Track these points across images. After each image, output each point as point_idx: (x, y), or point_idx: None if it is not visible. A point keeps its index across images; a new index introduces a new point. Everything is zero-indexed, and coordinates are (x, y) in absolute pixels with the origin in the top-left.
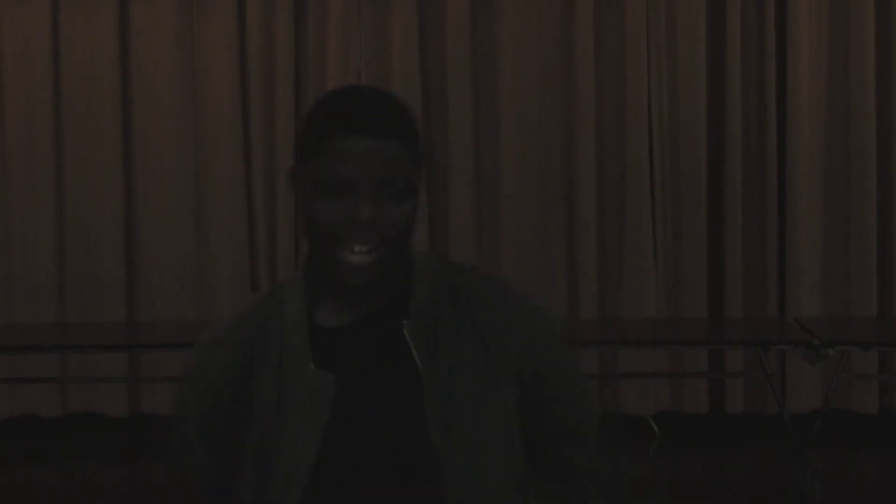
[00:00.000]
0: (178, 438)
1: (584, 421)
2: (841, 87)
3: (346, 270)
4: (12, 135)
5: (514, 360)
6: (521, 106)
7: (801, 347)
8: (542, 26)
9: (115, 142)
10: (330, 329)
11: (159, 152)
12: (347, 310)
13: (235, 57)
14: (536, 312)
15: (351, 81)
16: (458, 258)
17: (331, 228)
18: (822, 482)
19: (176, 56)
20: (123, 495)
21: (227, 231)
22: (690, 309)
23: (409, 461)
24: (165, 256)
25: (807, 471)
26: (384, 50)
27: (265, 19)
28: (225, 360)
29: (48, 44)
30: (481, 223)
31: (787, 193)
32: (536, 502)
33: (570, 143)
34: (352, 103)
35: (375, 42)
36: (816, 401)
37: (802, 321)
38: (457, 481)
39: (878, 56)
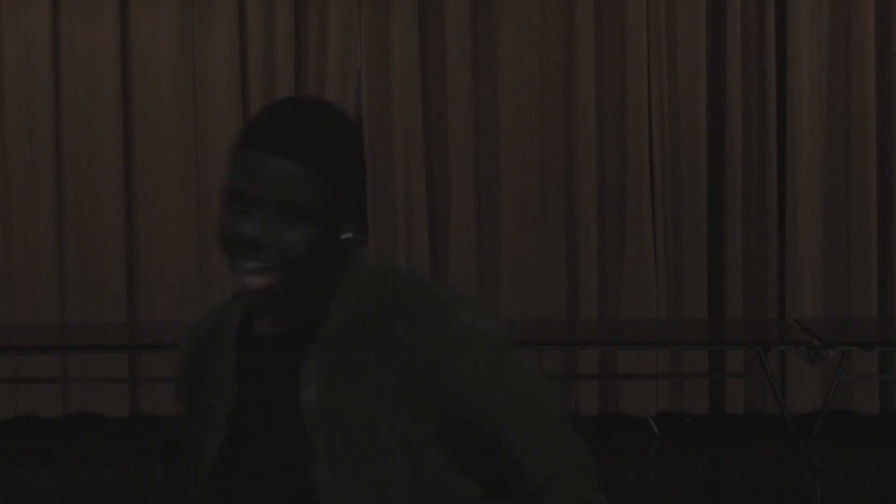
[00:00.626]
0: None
1: (540, 436)
2: (841, 88)
3: (240, 287)
4: (13, 134)
5: (427, 381)
6: (522, 107)
7: (802, 348)
8: (543, 27)
9: (115, 141)
10: (257, 339)
11: (160, 152)
12: (275, 322)
13: (236, 56)
14: (456, 322)
15: (351, 81)
16: (457, 260)
17: (222, 239)
18: (822, 482)
19: (176, 56)
20: (123, 495)
21: None
22: (691, 310)
23: (290, 495)
24: (166, 257)
25: (807, 471)
26: (384, 50)
27: (265, 19)
28: (184, 348)
29: (48, 43)
30: (481, 224)
31: (787, 195)
32: None
33: (571, 145)
34: (268, 118)
35: (375, 42)
36: (816, 401)
37: (803, 322)
38: None
39: (878, 58)
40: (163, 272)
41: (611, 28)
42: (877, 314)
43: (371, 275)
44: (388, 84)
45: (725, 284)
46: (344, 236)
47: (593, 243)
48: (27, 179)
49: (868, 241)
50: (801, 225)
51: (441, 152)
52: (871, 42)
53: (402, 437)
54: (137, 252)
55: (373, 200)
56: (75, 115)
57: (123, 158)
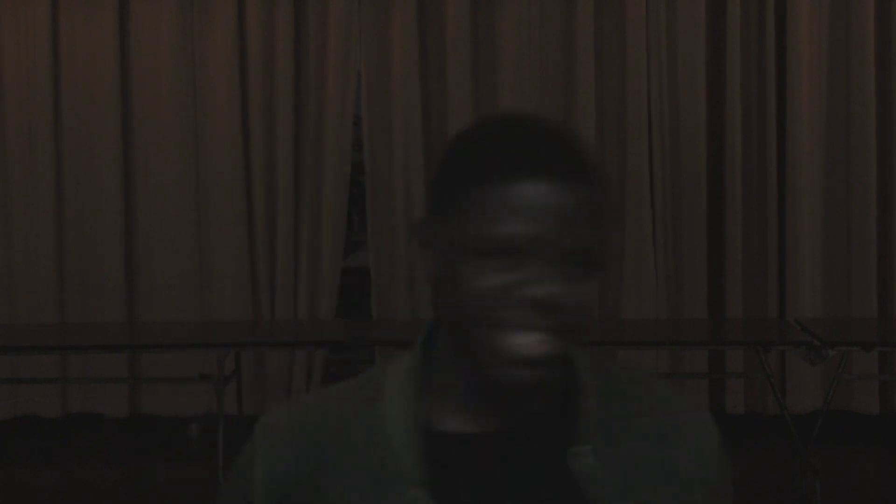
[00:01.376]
0: None
1: None
2: (841, 90)
3: (508, 365)
4: (12, 135)
5: (706, 489)
6: (522, 107)
7: (802, 348)
8: (543, 27)
9: (115, 142)
10: (454, 436)
11: (159, 153)
12: (488, 414)
13: (235, 56)
14: (708, 426)
15: (351, 81)
16: None
17: (490, 306)
18: (822, 482)
19: (176, 56)
20: (123, 495)
21: (226, 231)
22: (691, 310)
23: None
24: (165, 257)
25: (807, 471)
26: (384, 50)
27: (265, 19)
28: (290, 458)
29: (48, 43)
30: None
31: (787, 195)
32: None
33: None
34: (520, 136)
35: (375, 42)
36: (816, 401)
37: (803, 322)
38: None
39: (878, 60)
40: (162, 272)
41: (610, 28)
42: (876, 314)
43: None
44: (387, 84)
45: (725, 284)
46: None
47: None
48: (27, 179)
49: (868, 241)
50: (800, 225)
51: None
52: (871, 42)
53: None
54: (137, 252)
55: (372, 201)
56: (75, 115)
57: (123, 158)
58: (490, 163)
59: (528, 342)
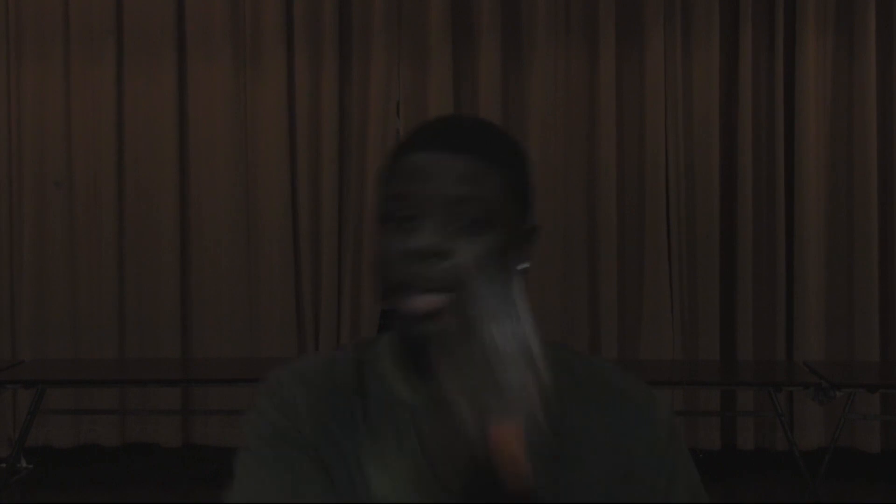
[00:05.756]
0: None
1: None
2: (845, 146)
3: (408, 322)
4: (80, 185)
5: (649, 461)
6: (548, 162)
7: (811, 389)
8: (568, 88)
9: (172, 192)
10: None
11: (213, 202)
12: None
13: (284, 114)
14: (652, 398)
15: (390, 136)
16: None
17: (388, 268)
18: None
19: (229, 112)
20: None
21: (275, 275)
22: (704, 352)
23: None
24: (218, 299)
25: None
26: (421, 108)
27: (312, 79)
28: (300, 396)
29: (113, 102)
30: None
31: (795, 246)
32: None
33: (593, 200)
34: (432, 121)
35: (413, 101)
36: (820, 438)
37: (811, 364)
38: None
39: (880, 109)
40: (215, 314)
41: (631, 88)
42: (878, 358)
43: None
44: None
45: (736, 328)
46: (521, 266)
47: (614, 292)
48: (92, 227)
49: (870, 291)
50: (807, 274)
51: None
52: (873, 105)
53: None
54: (191, 295)
55: None
56: (136, 166)
57: (179, 208)
58: (400, 144)
59: (422, 297)
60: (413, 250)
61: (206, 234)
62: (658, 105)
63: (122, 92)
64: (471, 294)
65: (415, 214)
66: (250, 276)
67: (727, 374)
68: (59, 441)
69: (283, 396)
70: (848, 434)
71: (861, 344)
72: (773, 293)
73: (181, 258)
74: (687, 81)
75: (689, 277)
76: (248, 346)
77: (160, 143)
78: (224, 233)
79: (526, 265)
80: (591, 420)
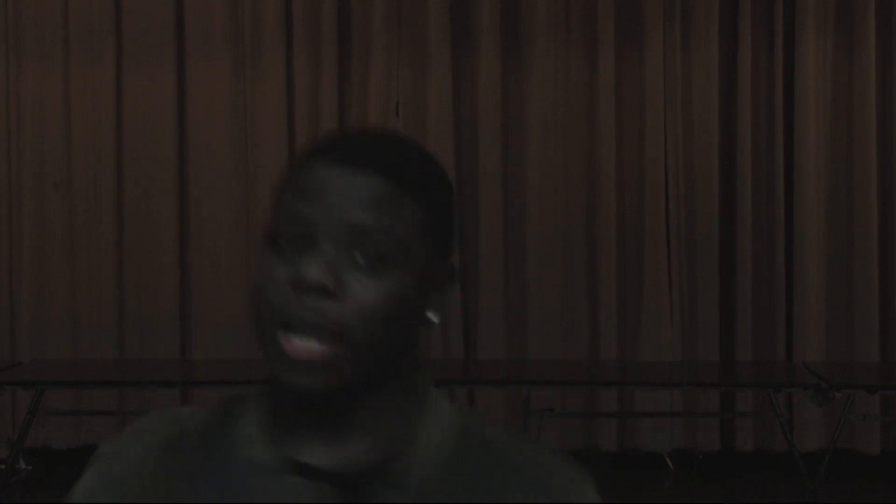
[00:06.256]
0: None
1: None
2: (844, 146)
3: (282, 364)
4: (78, 184)
5: None
6: (547, 161)
7: (811, 390)
8: (567, 90)
9: (171, 191)
10: (273, 471)
11: (212, 201)
12: (319, 445)
13: (283, 114)
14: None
15: None
16: (485, 307)
17: (268, 298)
18: None
19: (229, 113)
20: None
21: None
22: (704, 353)
23: None
24: (218, 299)
25: None
26: (420, 109)
27: (311, 80)
28: (147, 466)
29: (113, 101)
30: (508, 271)
31: (794, 247)
32: None
33: (593, 200)
34: (346, 130)
35: (413, 101)
36: (819, 440)
37: (810, 365)
38: None
39: (879, 109)
40: (215, 315)
41: (630, 89)
42: (878, 359)
43: (443, 400)
44: (423, 141)
45: (736, 330)
46: (430, 318)
47: (613, 293)
48: (92, 225)
49: (869, 291)
50: (806, 275)
51: (472, 208)
52: (873, 108)
53: None
54: (191, 296)
55: None
56: (136, 166)
57: (179, 206)
58: (308, 148)
59: (301, 341)
60: (297, 282)
61: (206, 235)
62: (658, 105)
63: (121, 92)
64: (357, 348)
65: (306, 240)
66: (249, 277)
67: (726, 375)
68: (58, 442)
69: (113, 473)
70: (848, 435)
71: (861, 345)
72: (772, 294)
73: (181, 258)
74: (686, 81)
75: (688, 278)
76: (247, 347)
77: (160, 144)
78: (224, 233)
79: (435, 319)
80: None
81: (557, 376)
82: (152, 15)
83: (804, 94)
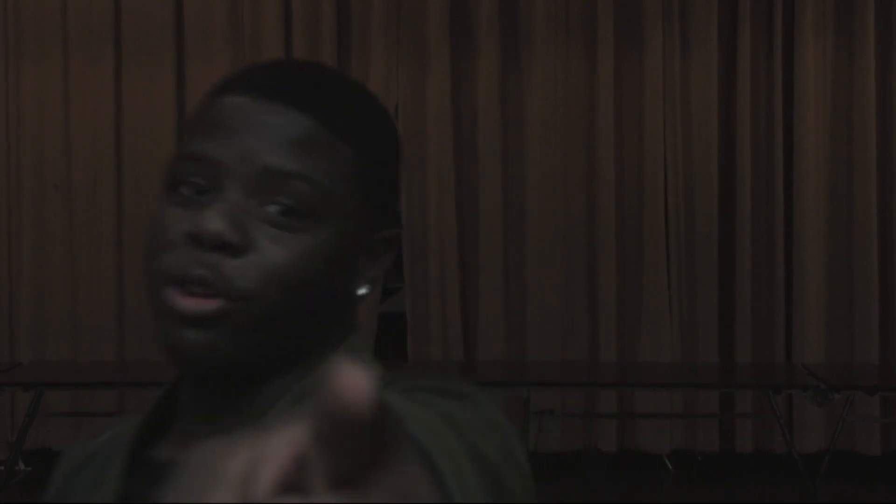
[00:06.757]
0: None
1: None
2: (844, 146)
3: (169, 320)
4: (78, 184)
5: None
6: (546, 161)
7: (810, 391)
8: (567, 90)
9: None
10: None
11: None
12: (205, 430)
13: None
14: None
15: None
16: (485, 308)
17: (160, 254)
18: None
19: None
20: None
21: None
22: (703, 354)
23: None
24: None
25: None
26: (420, 109)
27: None
28: (60, 469)
29: (112, 101)
30: (508, 272)
31: (794, 248)
32: None
33: (592, 200)
34: (269, 60)
35: (412, 102)
36: (819, 441)
37: (810, 367)
38: None
39: (879, 109)
40: None
41: (630, 90)
42: (878, 360)
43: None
44: (423, 144)
45: (735, 331)
46: (358, 290)
47: (613, 294)
48: (91, 225)
49: (869, 292)
50: (806, 275)
51: (472, 208)
52: (872, 108)
53: None
54: None
55: (408, 254)
56: (135, 165)
57: None
58: (222, 80)
59: (191, 294)
60: (195, 234)
61: None
62: (657, 105)
63: (121, 93)
64: (261, 310)
65: (210, 184)
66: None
67: (726, 376)
68: (57, 443)
69: (57, 486)
70: (847, 436)
71: (860, 345)
72: (772, 294)
73: None
74: (685, 81)
75: (687, 278)
76: None
77: (159, 144)
78: None
79: (364, 290)
80: None
81: (557, 377)
82: (152, 15)
83: (803, 94)
